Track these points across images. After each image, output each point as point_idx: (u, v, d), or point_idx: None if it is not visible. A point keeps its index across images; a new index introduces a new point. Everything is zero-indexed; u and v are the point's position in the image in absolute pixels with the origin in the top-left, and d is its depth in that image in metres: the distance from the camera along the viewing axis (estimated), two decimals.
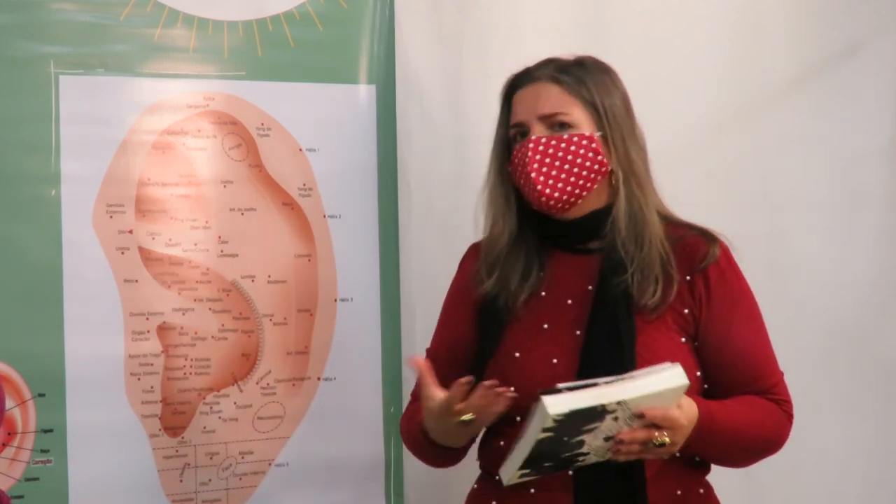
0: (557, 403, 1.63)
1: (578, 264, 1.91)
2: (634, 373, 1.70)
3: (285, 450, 2.32)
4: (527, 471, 1.74)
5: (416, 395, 2.03)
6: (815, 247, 2.78)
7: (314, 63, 2.35)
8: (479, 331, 1.95)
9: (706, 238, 1.91)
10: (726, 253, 1.92)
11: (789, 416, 1.90)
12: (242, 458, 2.29)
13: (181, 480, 2.24)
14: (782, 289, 2.74)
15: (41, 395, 2.13)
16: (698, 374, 1.86)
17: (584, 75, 1.90)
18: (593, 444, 1.71)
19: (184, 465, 2.24)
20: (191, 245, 2.25)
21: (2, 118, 2.12)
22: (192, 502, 2.25)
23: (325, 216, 2.35)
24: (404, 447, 2.40)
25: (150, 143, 2.22)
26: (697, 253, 1.89)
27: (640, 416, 1.68)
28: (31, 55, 2.14)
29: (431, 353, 2.04)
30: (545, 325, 1.89)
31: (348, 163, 2.38)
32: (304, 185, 2.34)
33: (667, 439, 1.70)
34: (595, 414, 1.65)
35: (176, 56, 2.25)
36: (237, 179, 2.29)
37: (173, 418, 2.23)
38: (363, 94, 2.39)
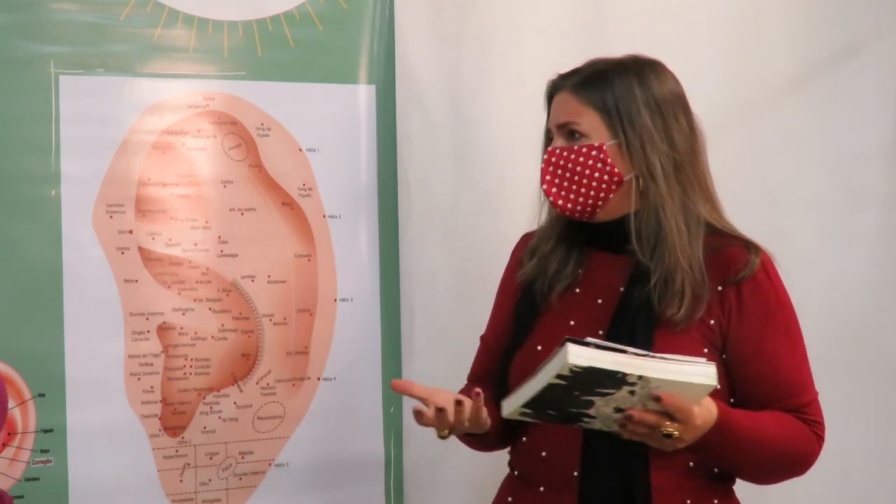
0: (580, 355, 1.60)
1: (614, 264, 1.89)
2: (668, 355, 1.67)
3: (285, 450, 2.33)
4: (529, 410, 1.72)
5: (468, 380, 2.04)
6: (815, 247, 2.78)
7: (314, 63, 2.35)
8: (514, 320, 1.95)
9: (747, 249, 1.86)
10: (765, 266, 1.86)
11: (819, 438, 1.86)
12: (242, 458, 2.29)
13: (181, 480, 2.24)
14: None
15: (41, 395, 2.13)
16: (718, 387, 1.77)
17: (604, 81, 1.85)
18: (602, 410, 1.69)
19: (184, 465, 2.24)
20: (191, 245, 2.25)
21: (2, 118, 2.12)
22: (192, 502, 2.25)
23: (325, 216, 2.35)
24: (403, 447, 2.41)
25: (150, 143, 2.23)
26: (734, 264, 1.84)
27: (658, 399, 1.66)
28: (31, 55, 2.14)
29: (484, 339, 2.05)
30: (572, 322, 1.88)
31: (348, 163, 2.38)
32: (304, 185, 2.34)
33: (675, 432, 1.67)
34: (613, 380, 1.63)
35: (176, 56, 2.25)
36: (237, 179, 2.29)
37: (173, 418, 2.23)
38: (363, 94, 2.40)
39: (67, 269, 2.15)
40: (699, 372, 1.66)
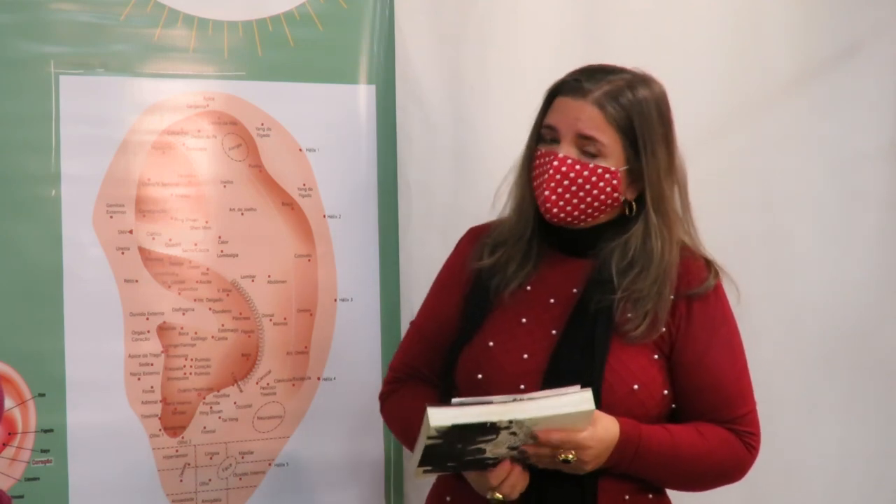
0: (440, 417, 1.65)
1: (569, 266, 1.92)
2: (536, 394, 1.71)
3: (285, 450, 2.32)
4: (428, 467, 1.76)
5: (396, 369, 2.06)
6: (815, 247, 2.78)
7: (314, 63, 2.35)
8: (463, 314, 1.95)
9: (707, 269, 1.91)
10: (717, 290, 1.91)
11: (750, 448, 1.89)
12: (242, 458, 2.29)
13: (181, 480, 2.24)
14: (782, 289, 2.74)
15: (41, 395, 2.13)
16: (665, 392, 1.86)
17: (631, 105, 1.84)
18: (499, 452, 1.72)
19: (184, 465, 2.24)
20: (191, 245, 2.25)
21: (2, 118, 2.12)
22: (192, 502, 2.25)
23: (325, 216, 2.35)
24: (404, 447, 2.41)
25: (149, 143, 2.22)
26: (689, 277, 1.89)
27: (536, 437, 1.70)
28: (31, 55, 2.14)
29: (418, 328, 2.05)
30: (523, 320, 1.90)
31: (348, 163, 2.38)
32: (304, 185, 2.34)
33: (570, 457, 1.73)
34: (485, 429, 1.66)
35: (176, 56, 2.25)
36: (237, 179, 2.29)
37: (173, 418, 2.23)
38: (363, 94, 2.39)
39: (67, 269, 2.15)
40: (574, 401, 1.70)
